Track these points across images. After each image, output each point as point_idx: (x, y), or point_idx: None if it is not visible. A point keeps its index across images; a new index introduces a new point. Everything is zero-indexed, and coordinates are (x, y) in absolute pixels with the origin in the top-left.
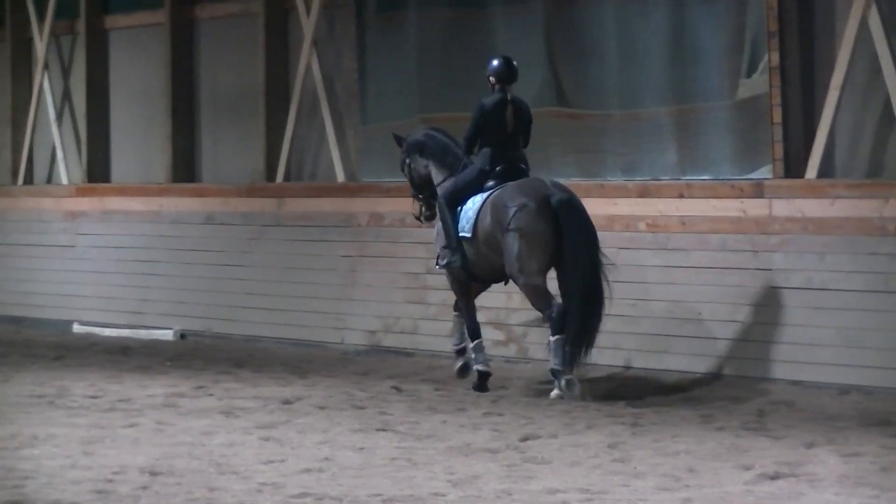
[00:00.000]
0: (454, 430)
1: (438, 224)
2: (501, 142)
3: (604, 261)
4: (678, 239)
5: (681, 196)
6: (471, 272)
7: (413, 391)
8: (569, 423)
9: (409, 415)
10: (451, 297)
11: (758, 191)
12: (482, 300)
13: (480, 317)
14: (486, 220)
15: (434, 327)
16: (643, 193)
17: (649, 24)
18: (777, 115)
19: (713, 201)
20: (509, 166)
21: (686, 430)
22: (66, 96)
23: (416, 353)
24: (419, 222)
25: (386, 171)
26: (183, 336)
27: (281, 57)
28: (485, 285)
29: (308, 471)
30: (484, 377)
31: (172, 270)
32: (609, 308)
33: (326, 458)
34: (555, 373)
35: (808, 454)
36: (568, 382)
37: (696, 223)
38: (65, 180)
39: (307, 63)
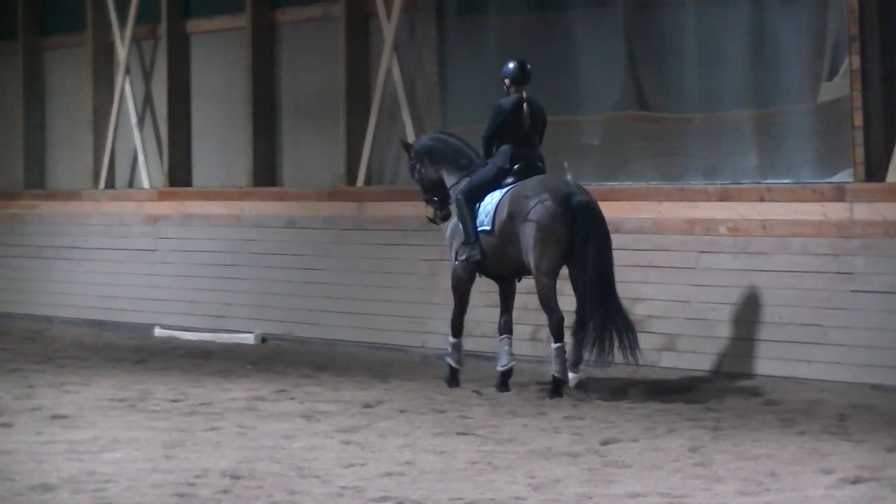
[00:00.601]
0: (535, 433)
1: (452, 222)
2: (519, 141)
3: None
4: (759, 242)
5: (761, 200)
6: (486, 267)
7: (494, 395)
8: (649, 426)
9: (490, 418)
10: (531, 301)
11: (839, 194)
12: (564, 304)
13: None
14: (504, 211)
15: (515, 331)
16: (724, 197)
17: (730, 28)
18: (858, 119)
19: (794, 205)
20: (527, 164)
21: (767, 434)
22: (148, 100)
23: (497, 357)
24: (434, 224)
25: None
26: (264, 340)
27: (361, 61)
28: (505, 290)
29: (389, 474)
30: (455, 373)
31: (253, 274)
32: (690, 312)
33: (407, 462)
34: (556, 381)
35: (889, 458)
36: (555, 388)
37: (777, 227)
38: (146, 184)
39: (388, 67)
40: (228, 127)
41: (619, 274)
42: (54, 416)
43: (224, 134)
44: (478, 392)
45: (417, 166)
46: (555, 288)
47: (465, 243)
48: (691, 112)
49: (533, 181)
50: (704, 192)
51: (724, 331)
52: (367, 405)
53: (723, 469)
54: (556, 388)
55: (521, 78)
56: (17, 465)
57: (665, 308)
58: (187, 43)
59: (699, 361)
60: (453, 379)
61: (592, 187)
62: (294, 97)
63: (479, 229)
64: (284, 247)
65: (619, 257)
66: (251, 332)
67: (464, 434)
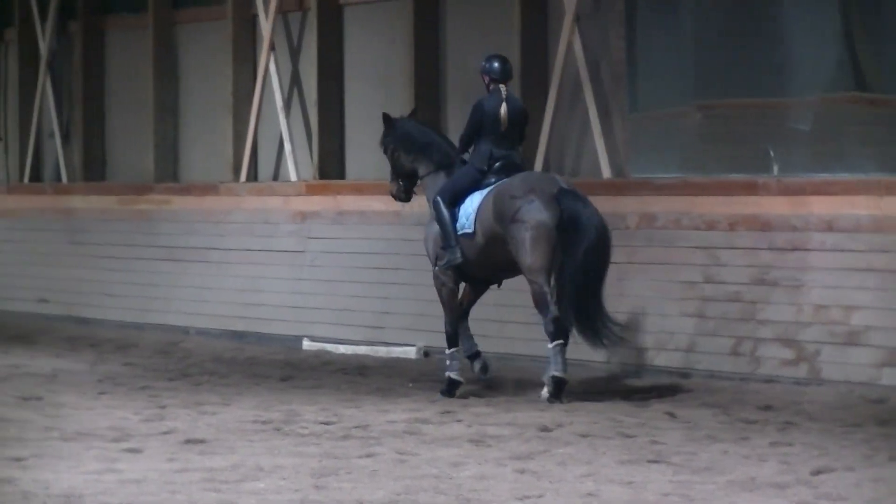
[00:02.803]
0: (736, 461)
1: (430, 227)
2: (497, 140)
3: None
4: None
5: None
6: (466, 272)
7: (689, 417)
8: (869, 453)
9: (685, 444)
10: (732, 310)
11: None
12: (768, 314)
13: (766, 332)
14: (488, 213)
15: (714, 344)
16: None
17: None
18: None
19: None
20: (506, 163)
21: None
22: (295, 81)
23: (693, 374)
24: (397, 200)
25: (659, 166)
26: (427, 354)
27: (539, 35)
28: (476, 293)
29: None
30: (454, 385)
31: (416, 279)
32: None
33: (590, 494)
34: (557, 381)
35: None
36: (554, 392)
37: None
38: (293, 176)
39: (568, 42)
40: (387, 110)
41: (832, 278)
42: (189, 441)
43: (381, 118)
44: (671, 414)
45: (392, 146)
46: (548, 288)
47: (445, 247)
48: None
49: (517, 180)
50: None
51: None
52: (545, 428)
53: None
54: (558, 389)
55: (502, 75)
56: (147, 497)
57: (886, 318)
58: (340, 15)
59: None
60: (450, 392)
61: (801, 179)
62: (462, 76)
63: (460, 232)
64: None
65: (832, 259)
66: (413, 345)
67: (655, 462)
